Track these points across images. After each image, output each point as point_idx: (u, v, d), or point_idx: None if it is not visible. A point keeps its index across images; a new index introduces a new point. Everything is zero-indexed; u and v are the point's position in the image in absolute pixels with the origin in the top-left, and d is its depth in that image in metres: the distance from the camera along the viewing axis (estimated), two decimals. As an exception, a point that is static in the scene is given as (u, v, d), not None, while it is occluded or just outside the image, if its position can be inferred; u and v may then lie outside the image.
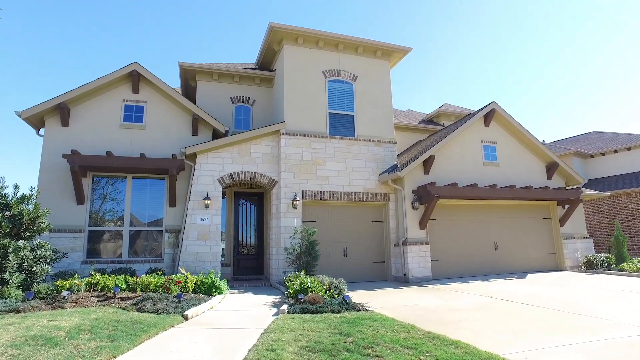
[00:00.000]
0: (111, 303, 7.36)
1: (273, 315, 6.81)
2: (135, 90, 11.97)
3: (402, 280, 11.96)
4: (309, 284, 7.89)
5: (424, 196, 12.20)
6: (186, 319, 6.52)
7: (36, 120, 11.15)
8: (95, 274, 8.53)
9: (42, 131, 11.31)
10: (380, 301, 8.27)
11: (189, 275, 8.87)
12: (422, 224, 12.33)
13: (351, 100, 13.37)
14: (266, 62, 14.40)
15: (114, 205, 11.53)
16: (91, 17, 44.11)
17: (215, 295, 8.62)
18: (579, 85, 62.20)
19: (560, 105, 64.13)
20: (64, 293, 7.48)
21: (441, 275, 12.44)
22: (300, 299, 7.26)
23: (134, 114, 11.91)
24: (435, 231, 12.82)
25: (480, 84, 65.69)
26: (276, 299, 8.79)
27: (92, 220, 11.20)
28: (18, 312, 6.62)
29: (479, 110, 14.27)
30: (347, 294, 8.16)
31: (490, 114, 14.16)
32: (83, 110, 11.55)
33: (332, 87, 13.26)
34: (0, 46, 36.54)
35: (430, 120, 19.46)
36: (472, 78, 65.53)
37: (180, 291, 8.44)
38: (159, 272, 9.62)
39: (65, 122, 11.24)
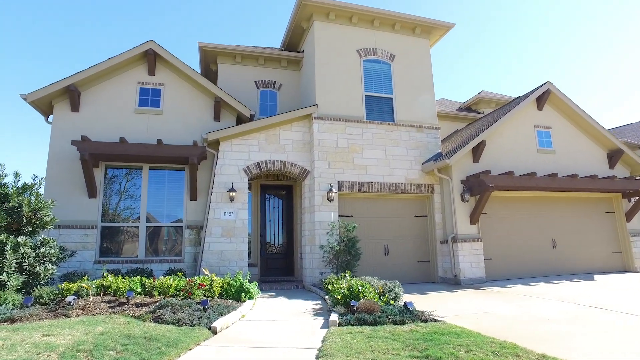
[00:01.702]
0: (124, 310, 6.15)
1: (322, 328, 5.48)
2: (152, 71, 10.82)
3: (452, 282, 10.50)
4: (360, 287, 6.51)
5: (476, 187, 10.71)
6: (214, 332, 5.23)
7: (44, 105, 10.09)
8: (107, 276, 7.35)
9: (51, 118, 10.27)
10: (446, 308, 6.84)
11: (215, 278, 7.61)
12: (474, 219, 10.84)
13: (389, 82, 11.96)
14: (293, 43, 13.11)
15: (129, 198, 10.37)
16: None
17: (245, 301, 7.34)
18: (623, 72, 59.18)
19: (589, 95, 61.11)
20: (69, 298, 6.30)
21: (495, 276, 10.94)
22: (353, 306, 5.90)
23: (150, 97, 10.76)
24: (485, 227, 11.30)
25: (507, 73, 63.17)
26: (316, 304, 7.46)
27: (105, 215, 10.07)
28: (13, 321, 5.46)
29: (532, 92, 12.66)
30: (407, 299, 6.76)
31: (544, 96, 12.55)
32: (95, 94, 10.45)
33: (368, 67, 11.87)
34: (7, 25, 34.94)
35: (467, 108, 17.89)
36: (504, 66, 63.11)
37: (205, 296, 7.20)
38: (180, 274, 8.43)
39: (75, 107, 10.15)
